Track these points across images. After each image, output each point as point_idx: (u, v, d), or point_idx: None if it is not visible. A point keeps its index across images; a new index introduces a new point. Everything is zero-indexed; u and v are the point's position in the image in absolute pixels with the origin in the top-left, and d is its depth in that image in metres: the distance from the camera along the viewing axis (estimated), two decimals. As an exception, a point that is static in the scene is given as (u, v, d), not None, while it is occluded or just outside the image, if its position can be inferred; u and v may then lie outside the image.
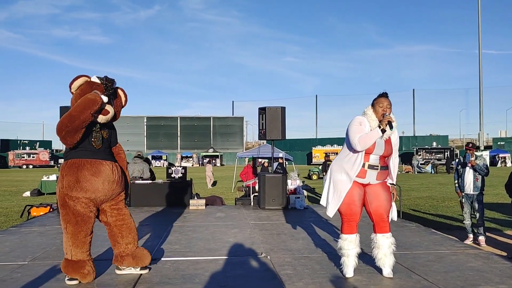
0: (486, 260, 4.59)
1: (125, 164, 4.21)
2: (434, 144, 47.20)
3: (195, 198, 9.44)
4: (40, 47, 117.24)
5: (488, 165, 7.79)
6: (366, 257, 4.49)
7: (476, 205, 7.51)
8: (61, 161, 28.83)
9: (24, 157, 54.12)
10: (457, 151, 42.53)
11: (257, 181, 9.78)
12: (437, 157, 41.05)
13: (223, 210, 8.73)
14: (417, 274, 4.11)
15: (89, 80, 3.86)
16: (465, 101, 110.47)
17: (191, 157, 61.18)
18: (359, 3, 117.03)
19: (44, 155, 55.00)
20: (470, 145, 7.70)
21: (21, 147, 58.69)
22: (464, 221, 7.81)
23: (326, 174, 4.26)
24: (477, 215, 7.52)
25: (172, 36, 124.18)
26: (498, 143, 55.82)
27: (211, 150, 62.04)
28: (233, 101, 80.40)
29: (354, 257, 4.03)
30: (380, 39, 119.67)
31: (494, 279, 3.95)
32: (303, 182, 12.74)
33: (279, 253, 5.01)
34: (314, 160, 40.91)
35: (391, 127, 3.83)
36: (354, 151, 3.91)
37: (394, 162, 4.10)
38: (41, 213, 9.69)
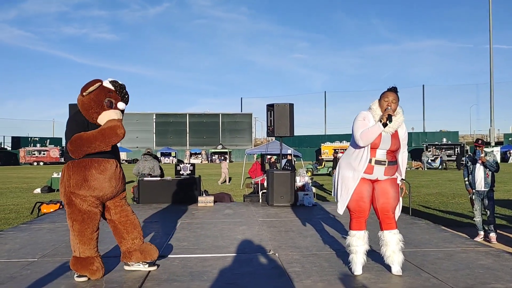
0: (497, 258, 4.53)
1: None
2: (444, 140, 46.83)
3: (204, 195, 9.45)
4: (50, 45, 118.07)
5: (498, 161, 7.71)
6: (375, 255, 4.46)
7: (487, 202, 7.45)
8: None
9: (34, 154, 54.64)
10: (467, 147, 42.14)
11: (265, 178, 9.77)
12: (447, 153, 40.75)
13: (232, 207, 8.72)
14: (426, 272, 4.07)
15: (102, 85, 3.87)
16: (475, 97, 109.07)
17: (199, 153, 61.38)
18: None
19: (54, 152, 55.49)
20: (480, 141, 7.63)
21: (31, 144, 59.23)
22: (474, 218, 7.74)
23: (335, 170, 4.22)
24: (488, 212, 7.45)
25: (181, 33, 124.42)
26: (510, 139, 55.20)
27: (219, 146, 62.07)
28: (241, 98, 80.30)
29: (362, 254, 4.00)
30: (389, 35, 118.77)
31: (505, 277, 3.89)
32: (311, 179, 12.70)
33: (287, 250, 5.00)
34: (323, 157, 40.97)
35: (390, 120, 3.79)
36: (358, 146, 3.89)
37: (403, 156, 4.06)
38: (51, 210, 9.75)
